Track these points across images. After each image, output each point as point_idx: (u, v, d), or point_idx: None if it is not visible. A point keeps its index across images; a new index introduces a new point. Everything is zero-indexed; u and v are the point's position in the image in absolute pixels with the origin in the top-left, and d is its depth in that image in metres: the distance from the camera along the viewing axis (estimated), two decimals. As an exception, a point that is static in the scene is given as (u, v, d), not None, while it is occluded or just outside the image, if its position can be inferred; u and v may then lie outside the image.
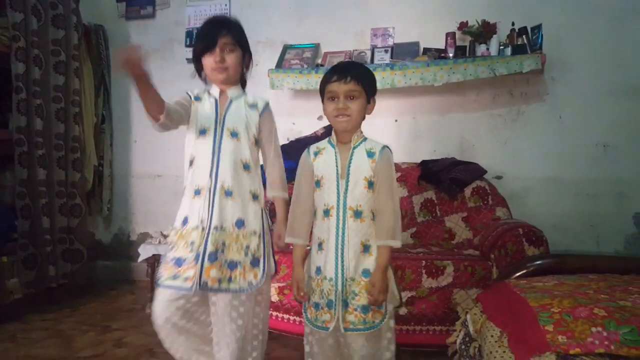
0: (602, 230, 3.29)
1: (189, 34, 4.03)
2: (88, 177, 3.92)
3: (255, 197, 1.85)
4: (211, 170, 1.79)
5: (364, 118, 1.69)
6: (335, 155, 1.67)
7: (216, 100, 1.89)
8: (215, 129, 1.83)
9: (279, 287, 2.58)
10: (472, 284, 2.39)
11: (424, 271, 2.44)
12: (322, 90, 1.70)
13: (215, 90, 1.90)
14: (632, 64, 3.25)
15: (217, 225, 1.75)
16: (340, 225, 1.61)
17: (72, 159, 3.63)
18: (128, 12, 4.20)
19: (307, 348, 1.75)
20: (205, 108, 1.88)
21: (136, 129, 4.25)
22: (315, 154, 1.71)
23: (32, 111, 3.28)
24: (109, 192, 4.19)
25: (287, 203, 1.88)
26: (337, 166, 1.65)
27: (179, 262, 1.76)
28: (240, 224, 1.79)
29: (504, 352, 1.26)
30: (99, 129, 4.10)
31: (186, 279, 1.71)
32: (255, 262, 1.79)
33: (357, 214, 1.62)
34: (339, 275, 1.59)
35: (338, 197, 1.63)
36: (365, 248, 1.62)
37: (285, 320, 2.59)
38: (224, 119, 1.84)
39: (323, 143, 1.73)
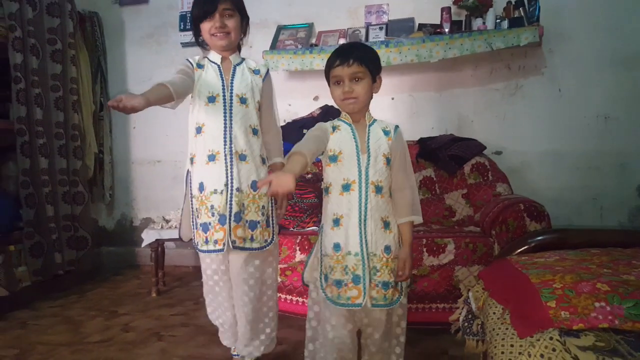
0: (605, 203, 3.30)
1: (182, 17, 3.99)
2: (89, 164, 3.93)
3: (263, 160, 1.95)
4: (225, 136, 1.84)
5: (371, 97, 1.70)
6: (353, 132, 1.67)
7: (219, 67, 1.91)
8: (224, 95, 1.87)
9: (280, 268, 2.61)
10: (474, 261, 2.41)
11: (424, 249, 2.46)
12: (327, 75, 1.70)
13: (215, 56, 1.92)
14: (631, 33, 3.23)
15: (237, 187, 1.85)
16: (363, 200, 1.61)
17: (73, 147, 3.64)
18: (122, -2, 4.16)
19: (309, 332, 1.76)
20: (209, 75, 1.90)
21: (134, 115, 4.15)
22: (333, 128, 1.69)
23: (31, 101, 3.28)
24: (110, 178, 4.20)
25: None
26: (356, 141, 1.66)
27: (205, 227, 1.87)
28: (255, 185, 1.88)
29: (507, 328, 1.27)
30: (98, 116, 4.10)
31: (216, 241, 1.84)
32: (268, 222, 1.93)
33: (378, 189, 1.63)
34: (364, 249, 1.60)
35: (360, 171, 1.63)
36: (385, 225, 1.64)
37: (288, 301, 2.63)
38: (231, 85, 1.88)
39: (336, 121, 1.72)
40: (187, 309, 2.98)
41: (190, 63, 1.91)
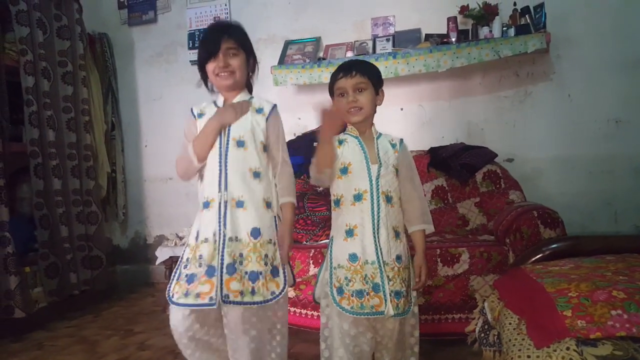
0: (619, 207, 3.26)
1: (191, 36, 4.04)
2: (102, 184, 3.97)
3: (268, 204, 1.79)
4: (219, 183, 1.75)
5: (375, 109, 1.74)
6: (360, 143, 1.71)
7: None
8: (221, 140, 1.77)
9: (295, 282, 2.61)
10: (489, 270, 2.39)
11: (439, 259, 2.44)
12: (332, 90, 1.76)
13: (220, 100, 1.87)
14: (639, 36, 3.20)
15: (232, 236, 1.71)
16: (375, 209, 1.64)
17: (86, 167, 3.68)
18: (130, 19, 4.24)
19: (325, 353, 1.72)
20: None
21: (145, 133, 4.29)
22: (340, 142, 1.73)
23: (43, 123, 3.33)
24: (123, 197, 4.24)
25: (295, 207, 1.83)
26: (364, 152, 1.69)
27: (190, 278, 1.70)
28: (256, 233, 1.73)
29: (523, 339, 1.26)
30: (110, 136, 4.15)
31: (198, 295, 1.66)
32: (275, 272, 1.75)
33: (389, 199, 1.66)
34: (380, 257, 1.61)
35: (370, 181, 1.66)
36: (396, 234, 1.66)
37: (303, 315, 2.62)
38: (228, 129, 1.78)
39: (343, 135, 1.75)
40: (202, 326, 2.98)
41: (193, 114, 1.87)
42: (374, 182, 1.66)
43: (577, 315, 1.19)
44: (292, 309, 2.62)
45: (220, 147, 1.77)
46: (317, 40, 3.73)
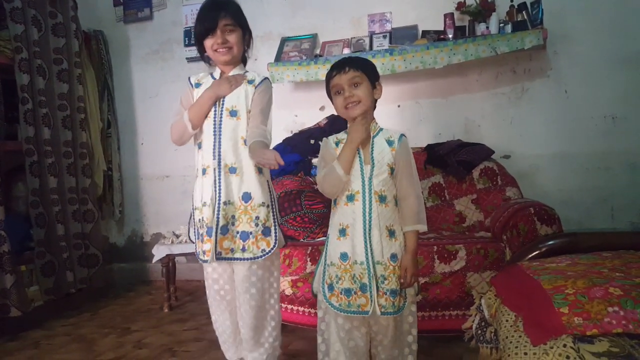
0: (616, 204, 3.26)
1: (187, 33, 4.03)
2: (98, 182, 3.96)
3: (260, 170, 1.92)
4: (214, 150, 1.88)
5: (375, 105, 1.73)
6: None
7: None
8: (215, 110, 1.90)
9: (292, 280, 2.60)
10: (486, 267, 2.39)
11: (436, 256, 2.44)
12: (328, 89, 1.74)
13: (217, 73, 1.98)
14: (636, 32, 3.20)
15: (226, 200, 1.87)
16: (367, 209, 1.64)
17: (82, 165, 3.67)
18: (126, 16, 4.21)
19: (322, 347, 1.76)
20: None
21: (142, 131, 4.27)
22: (336, 143, 1.73)
23: (39, 121, 3.31)
24: (119, 195, 4.23)
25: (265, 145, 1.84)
26: (359, 152, 1.68)
27: (200, 237, 1.92)
28: (247, 197, 1.89)
29: (520, 336, 1.26)
30: (106, 133, 4.14)
31: (204, 252, 1.89)
32: (266, 232, 1.91)
33: (382, 199, 1.65)
34: (370, 258, 1.61)
35: (363, 182, 1.65)
36: (391, 233, 1.66)
37: (300, 313, 2.61)
38: (222, 99, 1.90)
39: (341, 134, 1.75)
40: (199, 324, 2.97)
41: (190, 84, 2.00)
42: (366, 182, 1.65)
43: (574, 312, 1.19)
44: (290, 307, 2.61)
45: (215, 117, 1.90)
46: (313, 37, 3.72)
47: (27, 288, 3.18)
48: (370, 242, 1.62)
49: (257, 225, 1.90)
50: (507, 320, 1.38)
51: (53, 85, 3.47)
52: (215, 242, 1.86)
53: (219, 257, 1.87)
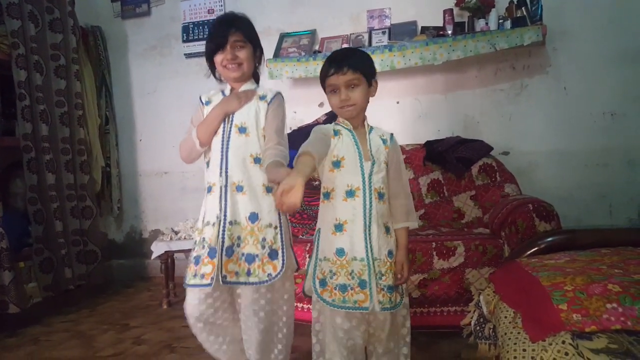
0: (614, 200, 3.27)
1: (185, 28, 4.02)
2: (96, 178, 3.96)
3: (268, 190, 1.84)
4: (221, 168, 1.82)
5: (368, 101, 1.72)
6: (354, 138, 1.68)
7: None
8: (224, 127, 1.84)
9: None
10: (484, 263, 2.39)
11: (434, 252, 2.44)
12: (323, 84, 1.72)
13: (228, 90, 1.93)
14: (635, 28, 3.20)
15: (232, 220, 1.79)
16: (367, 206, 1.63)
17: (80, 162, 3.66)
18: (123, 11, 4.20)
19: (316, 347, 1.73)
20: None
21: (140, 127, 4.26)
22: (336, 132, 1.69)
23: (36, 117, 3.30)
24: (118, 191, 4.22)
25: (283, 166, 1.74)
26: (358, 148, 1.67)
27: (197, 260, 1.81)
28: (254, 217, 1.81)
29: (519, 333, 1.26)
30: (104, 130, 4.13)
31: (203, 275, 1.76)
32: (273, 255, 1.82)
33: (381, 196, 1.65)
34: (370, 255, 1.61)
35: (363, 178, 1.64)
36: (387, 230, 1.67)
37: (299, 309, 2.61)
38: (232, 116, 1.85)
39: (336, 125, 1.72)
40: (197, 320, 2.98)
41: (201, 102, 1.95)
42: (366, 179, 1.64)
43: (573, 309, 1.19)
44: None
45: (223, 134, 1.84)
46: (312, 33, 3.71)
47: (26, 284, 3.17)
48: (370, 239, 1.62)
49: (263, 247, 1.81)
50: (505, 317, 1.38)
51: (50, 81, 3.45)
52: (220, 265, 1.76)
53: (224, 281, 1.76)
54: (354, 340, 1.66)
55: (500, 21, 3.19)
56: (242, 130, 1.83)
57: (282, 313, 1.96)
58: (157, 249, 3.30)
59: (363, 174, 1.64)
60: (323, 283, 1.65)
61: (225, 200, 1.80)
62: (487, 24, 3.21)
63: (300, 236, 2.78)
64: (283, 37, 3.75)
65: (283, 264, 1.81)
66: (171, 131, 3.86)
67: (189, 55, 3.99)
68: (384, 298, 1.61)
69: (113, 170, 4.18)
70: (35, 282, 3.24)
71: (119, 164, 4.26)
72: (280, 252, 1.83)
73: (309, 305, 2.56)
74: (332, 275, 1.63)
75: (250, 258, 1.80)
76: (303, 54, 3.57)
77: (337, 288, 1.61)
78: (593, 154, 3.29)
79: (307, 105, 3.73)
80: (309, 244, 2.62)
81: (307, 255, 2.59)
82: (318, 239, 1.71)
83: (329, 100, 1.71)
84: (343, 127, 1.70)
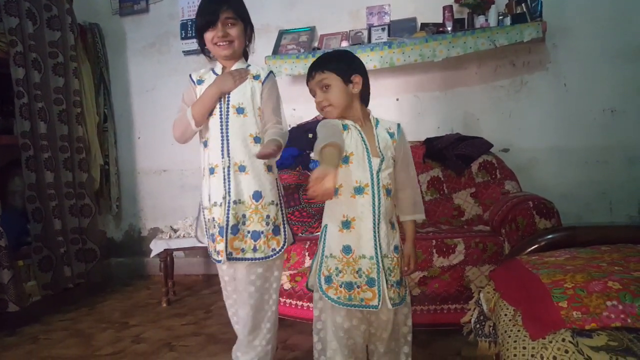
0: (614, 197, 3.26)
1: (183, 26, 3.99)
2: (95, 176, 3.94)
3: (269, 168, 1.90)
4: (222, 149, 1.84)
5: (360, 97, 1.67)
6: (361, 134, 1.65)
7: None
8: (221, 107, 1.86)
9: (290, 274, 2.60)
10: (485, 261, 2.39)
11: (434, 250, 2.43)
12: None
13: (219, 68, 1.93)
14: (636, 25, 3.18)
15: (236, 199, 1.84)
16: (377, 203, 1.61)
17: (78, 160, 3.65)
18: (122, 8, 4.18)
19: (318, 346, 1.71)
20: None
21: (139, 125, 4.25)
22: (345, 127, 1.66)
23: (35, 115, 3.29)
24: (116, 189, 4.21)
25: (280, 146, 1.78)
26: (365, 144, 1.64)
27: (212, 238, 1.91)
28: (257, 196, 1.86)
29: (519, 330, 1.25)
30: (102, 127, 4.12)
31: (218, 252, 1.86)
32: (276, 230, 1.90)
33: (388, 192, 1.64)
34: (379, 253, 1.59)
35: (372, 175, 1.61)
36: (392, 225, 1.66)
37: (299, 307, 2.61)
38: (228, 96, 1.86)
39: (345, 121, 1.68)
40: (197, 318, 2.97)
41: (192, 81, 1.95)
42: (374, 175, 1.61)
43: (573, 307, 1.18)
44: (288, 301, 2.61)
45: (220, 115, 1.86)
46: (311, 30, 3.70)
47: (25, 283, 3.17)
48: (379, 236, 1.60)
49: (267, 224, 1.88)
50: (505, 315, 1.38)
51: (48, 79, 3.44)
52: (226, 242, 1.83)
53: (229, 257, 1.85)
54: (354, 340, 1.65)
55: (500, 17, 3.17)
56: (240, 110, 1.85)
57: (273, 290, 1.98)
58: (156, 247, 3.29)
59: (372, 171, 1.62)
60: (328, 280, 1.63)
61: (229, 181, 1.84)
62: (486, 20, 3.20)
63: (300, 234, 2.77)
64: (282, 34, 3.73)
65: (285, 238, 1.91)
66: (170, 129, 3.82)
67: (187, 53, 3.97)
68: (394, 294, 1.61)
69: (112, 168, 4.17)
70: (34, 281, 3.24)
71: (117, 161, 4.25)
72: (281, 227, 1.91)
73: (309, 304, 2.56)
74: (338, 273, 1.62)
75: (256, 235, 1.86)
76: (302, 50, 3.55)
77: (343, 286, 1.60)
78: (593, 150, 3.28)
79: (306, 102, 3.67)
80: (308, 242, 2.62)
81: (307, 254, 2.59)
82: (324, 236, 1.69)
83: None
84: (351, 122, 1.67)
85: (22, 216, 3.33)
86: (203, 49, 1.94)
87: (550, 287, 1.27)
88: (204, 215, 1.97)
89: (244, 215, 1.86)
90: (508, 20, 3.12)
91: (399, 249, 1.66)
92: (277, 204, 1.91)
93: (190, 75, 1.97)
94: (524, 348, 1.19)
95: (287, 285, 2.60)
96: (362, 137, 1.64)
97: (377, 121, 1.70)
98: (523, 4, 3.13)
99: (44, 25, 3.44)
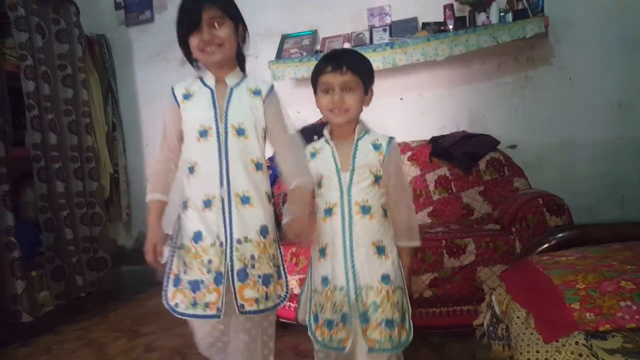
0: (626, 191, 3.23)
1: (188, 33, 4.00)
2: (105, 185, 3.97)
3: (270, 198, 1.63)
4: (221, 177, 1.54)
5: (361, 110, 1.55)
6: (332, 151, 1.52)
7: (212, 92, 1.60)
8: (218, 127, 1.55)
9: (299, 278, 2.57)
10: (496, 260, 2.36)
11: (444, 251, 2.41)
12: (315, 82, 1.56)
13: (210, 78, 1.62)
14: (638, 15, 3.15)
15: (240, 237, 1.53)
16: (347, 223, 1.44)
17: (88, 169, 3.68)
18: (127, 19, 4.22)
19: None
20: (200, 104, 1.59)
21: (146, 133, 4.28)
22: (312, 155, 1.55)
23: (45, 126, 3.32)
24: (126, 197, 4.24)
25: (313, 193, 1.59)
26: (335, 161, 1.50)
27: (195, 285, 1.55)
28: (264, 231, 1.56)
29: (532, 333, 1.24)
30: (111, 136, 4.15)
31: (207, 305, 1.53)
32: (279, 272, 1.62)
33: (365, 210, 1.45)
34: (351, 281, 1.41)
35: (341, 192, 1.46)
36: (379, 250, 1.45)
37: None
38: (226, 114, 1.56)
39: (319, 143, 1.58)
40: (210, 325, 2.97)
41: (175, 99, 1.64)
42: (344, 192, 1.45)
43: (586, 308, 1.17)
44: (294, 306, 2.59)
45: (218, 136, 1.55)
46: (313, 33, 3.71)
47: (38, 293, 3.18)
48: (352, 262, 1.42)
49: (274, 265, 1.58)
50: (518, 317, 1.37)
51: (58, 90, 3.47)
52: (234, 293, 1.51)
53: (241, 311, 1.51)
54: None
55: (502, 14, 3.15)
56: (241, 132, 1.55)
57: (267, 337, 1.70)
58: (167, 253, 3.29)
59: (341, 187, 1.46)
60: (316, 319, 1.48)
61: (230, 215, 1.53)
62: (488, 17, 3.18)
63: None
64: (284, 38, 3.74)
65: (287, 281, 1.63)
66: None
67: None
68: (382, 335, 1.39)
69: (121, 176, 4.20)
70: (47, 291, 3.25)
71: (126, 169, 4.28)
72: (281, 268, 1.64)
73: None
74: (321, 310, 1.46)
75: (267, 280, 1.54)
76: (305, 54, 3.56)
77: (326, 324, 1.43)
78: (602, 144, 3.25)
79: (310, 104, 3.65)
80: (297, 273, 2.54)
81: (298, 285, 2.48)
82: (310, 268, 1.56)
83: (317, 101, 1.55)
84: (324, 142, 1.55)
85: (34, 227, 3.36)
86: (189, 59, 1.64)
87: (562, 289, 1.26)
88: (182, 256, 1.64)
89: (252, 257, 1.53)
90: (510, 17, 3.11)
91: (391, 279, 1.43)
92: (277, 240, 1.63)
93: (172, 90, 1.64)
94: (537, 352, 1.17)
95: (296, 290, 2.59)
96: (333, 154, 1.52)
97: (365, 133, 1.55)
98: (524, 0, 3.11)
99: (53, 39, 3.47)
